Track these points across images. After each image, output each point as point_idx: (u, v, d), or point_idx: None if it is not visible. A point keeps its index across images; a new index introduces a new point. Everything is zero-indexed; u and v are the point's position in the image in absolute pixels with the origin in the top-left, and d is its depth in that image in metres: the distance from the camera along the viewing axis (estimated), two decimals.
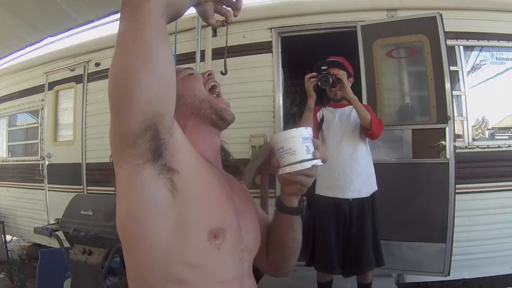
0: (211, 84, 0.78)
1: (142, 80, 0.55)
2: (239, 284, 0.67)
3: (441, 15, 2.69)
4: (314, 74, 2.09)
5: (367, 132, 2.12)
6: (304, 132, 0.67)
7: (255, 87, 3.22)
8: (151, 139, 0.57)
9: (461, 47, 3.04)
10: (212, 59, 3.37)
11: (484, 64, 3.09)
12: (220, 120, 0.76)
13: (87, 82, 4.13)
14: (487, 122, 3.05)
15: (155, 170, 0.57)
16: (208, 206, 0.62)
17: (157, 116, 0.56)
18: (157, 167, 0.58)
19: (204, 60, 3.38)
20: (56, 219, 3.24)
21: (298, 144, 0.66)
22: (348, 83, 2.12)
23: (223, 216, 0.64)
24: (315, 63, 2.23)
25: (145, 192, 0.57)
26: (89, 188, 4.02)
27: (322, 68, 2.10)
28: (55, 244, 3.07)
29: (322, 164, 0.67)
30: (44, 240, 4.01)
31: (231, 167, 0.81)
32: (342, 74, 2.09)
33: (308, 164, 0.65)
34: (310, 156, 0.66)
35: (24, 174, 4.77)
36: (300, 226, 0.81)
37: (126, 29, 0.60)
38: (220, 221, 0.63)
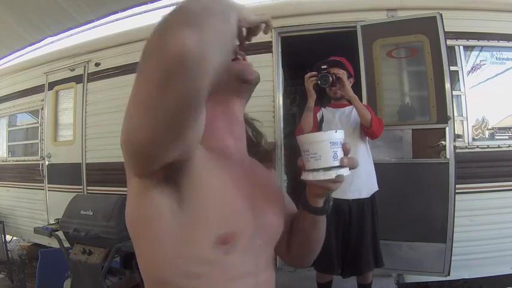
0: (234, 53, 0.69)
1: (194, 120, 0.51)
2: (253, 278, 0.64)
3: (441, 15, 2.69)
4: (314, 73, 2.09)
5: (367, 131, 2.12)
6: (334, 137, 0.61)
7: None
8: (169, 172, 0.55)
9: (461, 47, 3.04)
10: None
11: (484, 64, 3.09)
12: (243, 84, 0.69)
13: (87, 82, 4.13)
14: (487, 122, 3.04)
15: (164, 188, 0.57)
16: (217, 212, 0.59)
17: (189, 153, 0.55)
18: (167, 188, 0.57)
19: None
20: (56, 219, 3.25)
21: (325, 150, 0.60)
22: (348, 82, 2.12)
23: (235, 219, 0.61)
24: (315, 63, 2.23)
25: (151, 203, 0.57)
26: (89, 188, 4.02)
27: (322, 67, 2.10)
28: (55, 244, 3.07)
29: (349, 172, 0.63)
30: (44, 240, 4.01)
31: (261, 152, 0.78)
32: (341, 73, 2.09)
33: (332, 174, 0.60)
34: (337, 163, 0.61)
35: (24, 174, 4.76)
36: (324, 223, 0.79)
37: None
38: (232, 225, 0.61)
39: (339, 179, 0.63)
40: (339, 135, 0.62)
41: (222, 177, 0.62)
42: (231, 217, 0.61)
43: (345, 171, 0.62)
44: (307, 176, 0.62)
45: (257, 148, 0.78)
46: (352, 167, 0.64)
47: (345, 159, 0.63)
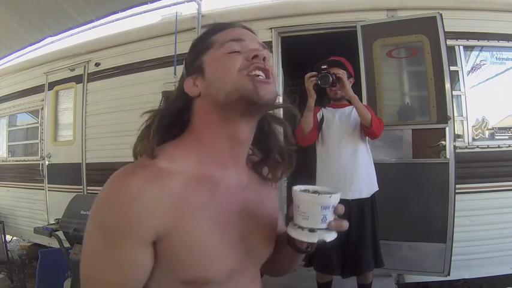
0: (253, 69, 0.64)
1: None
2: None
3: (441, 15, 2.69)
4: (314, 73, 2.09)
5: (367, 131, 2.12)
6: (326, 202, 0.59)
7: None
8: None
9: (461, 47, 3.04)
10: None
11: (484, 64, 3.09)
12: (251, 107, 0.64)
13: (87, 82, 4.13)
14: (487, 122, 3.04)
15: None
16: (186, 261, 0.59)
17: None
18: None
19: None
20: (56, 219, 3.24)
21: (315, 212, 0.59)
22: (348, 82, 2.12)
23: (208, 264, 0.61)
24: (315, 63, 2.23)
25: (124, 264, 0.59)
26: (89, 188, 4.01)
27: (322, 67, 2.10)
28: (55, 244, 3.07)
29: (335, 236, 0.61)
30: (44, 240, 4.01)
31: (270, 162, 0.74)
32: (341, 73, 2.09)
33: (315, 238, 0.60)
34: (324, 226, 0.60)
35: (24, 174, 4.77)
36: (302, 256, 0.78)
37: None
38: (203, 270, 0.60)
39: (319, 243, 0.62)
40: (333, 201, 0.60)
41: (198, 223, 0.60)
42: (202, 263, 0.60)
43: (330, 236, 0.61)
44: (291, 231, 0.62)
45: (268, 155, 0.75)
46: (340, 230, 0.63)
47: (333, 223, 0.62)
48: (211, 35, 0.69)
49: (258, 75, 0.63)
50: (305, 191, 0.63)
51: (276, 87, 0.67)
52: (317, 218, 0.60)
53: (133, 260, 0.57)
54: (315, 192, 0.63)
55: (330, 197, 0.60)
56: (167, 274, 0.60)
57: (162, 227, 0.57)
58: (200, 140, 0.66)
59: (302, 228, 0.60)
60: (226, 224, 0.64)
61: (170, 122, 0.68)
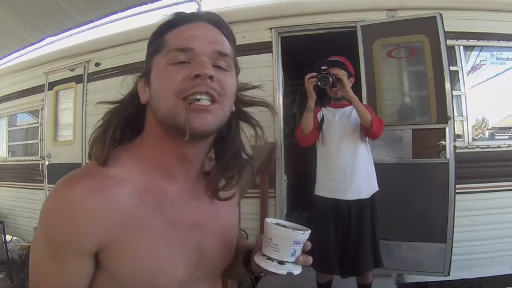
0: (191, 94, 0.56)
1: None
2: None
3: (441, 15, 2.69)
4: (314, 74, 2.09)
5: (367, 132, 2.12)
6: (299, 238, 0.62)
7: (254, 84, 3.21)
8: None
9: (461, 47, 3.04)
10: None
11: (484, 64, 3.09)
12: (180, 136, 0.58)
13: (87, 82, 4.13)
14: (487, 122, 3.04)
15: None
16: (129, 273, 0.58)
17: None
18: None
19: None
20: None
21: (287, 246, 0.61)
22: (348, 83, 2.12)
23: (154, 275, 0.59)
24: (315, 63, 2.23)
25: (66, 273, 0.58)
26: None
27: (322, 68, 2.10)
28: None
29: (300, 270, 0.64)
30: None
31: (218, 169, 0.68)
32: (341, 74, 2.09)
33: (284, 270, 0.62)
34: (292, 259, 0.63)
35: (24, 174, 4.77)
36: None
37: None
38: (149, 281, 0.59)
39: (287, 276, 0.63)
40: (305, 237, 0.63)
41: (141, 236, 0.58)
42: (147, 275, 0.59)
43: (297, 269, 0.64)
44: (260, 261, 0.63)
45: (220, 160, 0.69)
46: (306, 265, 0.64)
47: (301, 258, 0.63)
48: (164, 32, 0.62)
49: (198, 100, 0.56)
50: (277, 224, 0.64)
51: (223, 111, 0.60)
52: (288, 251, 0.62)
53: (75, 269, 0.57)
54: (284, 227, 0.65)
55: (303, 233, 0.62)
56: (112, 284, 0.59)
57: (104, 238, 0.56)
58: (148, 150, 0.63)
59: (272, 259, 0.62)
60: (174, 236, 0.61)
61: (125, 126, 0.65)
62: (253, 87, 0.74)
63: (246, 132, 0.72)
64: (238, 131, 0.71)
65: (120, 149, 0.64)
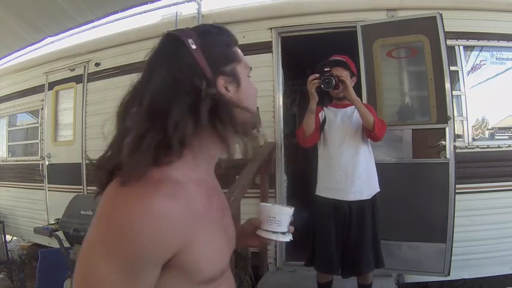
0: None
1: None
2: (226, 284, 0.70)
3: (441, 15, 2.69)
4: (316, 75, 2.08)
5: (369, 134, 2.11)
6: (292, 212, 0.85)
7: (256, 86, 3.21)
8: None
9: (461, 47, 3.04)
10: None
11: (484, 64, 3.09)
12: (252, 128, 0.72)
13: (87, 82, 4.13)
14: (487, 122, 3.04)
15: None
16: (204, 265, 0.60)
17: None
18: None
19: None
20: (56, 219, 3.24)
21: (286, 221, 0.83)
22: (350, 85, 2.11)
23: (220, 261, 0.65)
24: (315, 63, 2.23)
25: None
26: (89, 188, 4.01)
27: (325, 69, 2.09)
28: (55, 244, 3.07)
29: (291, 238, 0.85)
30: (44, 240, 4.01)
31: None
32: (344, 76, 2.08)
33: (287, 239, 0.84)
34: (287, 229, 0.84)
35: (24, 174, 4.77)
36: None
37: None
38: (217, 267, 0.64)
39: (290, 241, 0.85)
40: (293, 212, 0.85)
41: (209, 228, 0.63)
42: (217, 262, 0.64)
43: (291, 236, 0.85)
44: (270, 235, 0.83)
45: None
46: (292, 232, 0.85)
47: (291, 228, 0.85)
48: (233, 43, 0.71)
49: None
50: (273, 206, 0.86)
51: None
52: (286, 224, 0.84)
53: (150, 281, 0.55)
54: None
55: (292, 208, 0.85)
56: (181, 278, 0.59)
57: (183, 243, 0.56)
58: (198, 145, 0.64)
59: (276, 233, 0.83)
60: (219, 222, 0.68)
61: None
62: None
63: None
64: None
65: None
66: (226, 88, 0.65)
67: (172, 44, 0.65)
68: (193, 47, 0.63)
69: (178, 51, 0.63)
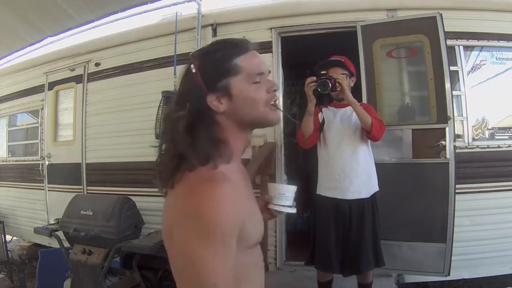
0: (275, 100, 0.83)
1: None
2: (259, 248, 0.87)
3: (441, 15, 2.69)
4: (314, 78, 2.09)
5: (367, 134, 2.12)
6: (295, 189, 1.03)
7: None
8: None
9: (461, 47, 3.04)
10: None
11: (484, 64, 3.09)
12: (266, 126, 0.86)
13: (87, 82, 4.13)
14: (487, 122, 3.04)
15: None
16: (253, 233, 0.77)
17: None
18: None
19: None
20: (56, 219, 3.25)
21: (292, 196, 1.02)
22: (347, 87, 2.11)
23: (260, 229, 0.83)
24: (315, 63, 2.23)
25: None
26: (89, 188, 4.01)
27: (322, 72, 2.10)
28: (55, 244, 3.07)
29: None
30: (44, 240, 4.01)
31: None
32: (341, 78, 2.09)
33: (294, 210, 1.03)
34: (293, 203, 1.03)
35: (24, 174, 4.77)
36: None
37: None
38: (259, 234, 0.81)
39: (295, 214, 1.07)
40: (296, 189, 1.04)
41: (252, 205, 0.82)
42: (259, 230, 0.82)
43: (295, 210, 1.04)
44: (280, 208, 1.01)
45: None
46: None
47: (294, 202, 1.03)
48: (233, 56, 0.79)
49: (275, 104, 0.83)
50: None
51: None
52: (292, 199, 1.02)
53: (235, 251, 0.70)
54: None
55: (296, 187, 1.04)
56: (240, 245, 0.71)
57: (244, 214, 0.73)
58: (226, 144, 0.79)
59: (286, 206, 1.01)
60: (253, 197, 0.87)
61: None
62: None
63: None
64: None
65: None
66: (219, 101, 0.78)
67: (185, 70, 0.82)
68: (193, 71, 0.78)
69: (187, 76, 0.80)
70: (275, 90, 0.83)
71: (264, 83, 0.81)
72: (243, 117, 0.80)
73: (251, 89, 0.79)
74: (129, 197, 3.07)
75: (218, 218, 0.66)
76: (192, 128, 0.76)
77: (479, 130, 3.04)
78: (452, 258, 2.62)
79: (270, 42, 3.27)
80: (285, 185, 1.03)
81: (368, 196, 2.17)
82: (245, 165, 2.52)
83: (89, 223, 2.67)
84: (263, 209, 1.01)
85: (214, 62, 0.78)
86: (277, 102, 0.84)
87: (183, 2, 3.55)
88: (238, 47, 0.81)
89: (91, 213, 2.72)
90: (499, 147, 3.00)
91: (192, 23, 3.44)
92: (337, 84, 2.07)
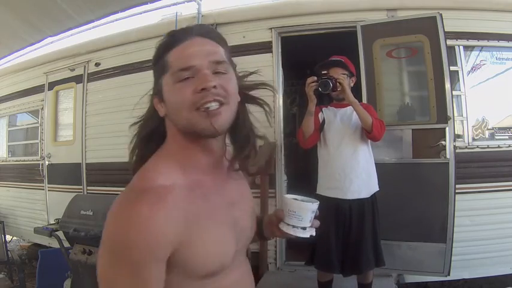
0: (202, 105, 0.66)
1: None
2: (236, 274, 0.75)
3: (441, 15, 2.69)
4: (314, 78, 2.09)
5: (368, 134, 2.13)
6: (315, 208, 0.82)
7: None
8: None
9: (461, 47, 3.04)
10: None
11: (484, 64, 3.09)
12: (203, 137, 0.70)
13: (87, 82, 4.13)
14: (487, 122, 3.04)
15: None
16: (202, 261, 0.66)
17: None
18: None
19: None
20: (56, 219, 3.24)
21: (307, 215, 0.81)
22: (348, 87, 2.12)
23: (219, 256, 0.69)
24: (314, 63, 2.23)
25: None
26: (89, 188, 4.02)
27: (323, 72, 2.10)
28: (55, 244, 3.07)
29: (314, 233, 0.83)
30: (44, 240, 4.01)
31: (236, 154, 0.78)
32: (342, 78, 2.09)
33: (307, 234, 0.82)
34: (309, 224, 0.82)
35: (24, 174, 4.77)
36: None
37: None
38: (217, 262, 0.68)
39: (309, 238, 0.82)
40: (317, 207, 0.83)
41: (204, 227, 0.67)
42: (216, 257, 0.68)
43: (313, 232, 0.83)
44: (289, 230, 0.82)
45: (235, 143, 0.79)
46: (317, 226, 0.83)
47: (315, 222, 0.83)
48: (165, 52, 0.70)
49: (208, 108, 0.66)
50: (295, 199, 0.83)
51: (231, 109, 0.70)
52: (308, 219, 0.81)
53: (158, 278, 0.61)
54: (302, 200, 0.84)
55: (317, 204, 0.82)
56: (183, 275, 0.65)
57: (176, 241, 0.62)
58: (177, 152, 0.71)
59: (297, 227, 0.81)
60: (223, 218, 0.72)
61: (152, 138, 0.75)
62: (251, 73, 0.85)
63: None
64: (246, 115, 0.80)
65: (153, 160, 0.72)
66: (161, 104, 0.71)
67: None
68: None
69: None
70: (203, 90, 0.65)
71: (191, 81, 0.66)
72: (176, 124, 0.70)
73: (174, 90, 0.68)
74: None
75: (128, 242, 0.58)
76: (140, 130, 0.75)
77: (479, 130, 3.04)
78: (452, 258, 2.62)
79: (270, 42, 3.27)
80: (299, 202, 0.83)
81: (368, 196, 2.17)
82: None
83: (89, 223, 2.67)
84: (276, 225, 0.85)
85: (153, 59, 0.73)
86: (212, 105, 0.66)
87: (183, 2, 3.55)
88: (174, 37, 0.70)
89: (91, 213, 2.72)
90: (499, 147, 3.00)
91: (192, 23, 3.43)
92: (338, 84, 2.08)
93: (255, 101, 0.82)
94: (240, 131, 0.77)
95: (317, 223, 0.83)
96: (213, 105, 0.66)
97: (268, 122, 0.84)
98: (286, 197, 0.84)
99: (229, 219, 0.74)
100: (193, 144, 0.71)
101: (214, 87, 0.66)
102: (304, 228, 0.82)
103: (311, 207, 0.81)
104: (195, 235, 0.65)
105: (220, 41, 0.74)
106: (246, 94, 0.80)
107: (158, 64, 0.71)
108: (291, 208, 0.81)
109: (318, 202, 0.82)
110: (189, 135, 0.69)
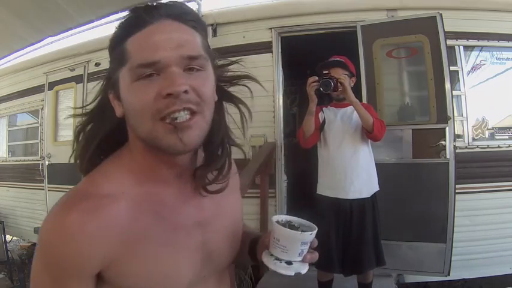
0: (168, 114, 0.52)
1: None
2: None
3: (441, 15, 2.69)
4: (315, 78, 2.10)
5: (368, 134, 2.13)
6: (306, 238, 0.62)
7: (254, 87, 3.19)
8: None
9: (461, 47, 3.04)
10: None
11: (484, 64, 3.09)
12: (177, 154, 0.57)
13: (87, 82, 4.13)
14: (487, 122, 3.04)
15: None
16: (139, 284, 0.57)
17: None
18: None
19: None
20: None
21: (294, 247, 0.61)
22: (349, 87, 2.12)
23: (164, 281, 0.59)
24: (314, 63, 2.23)
25: None
26: None
27: (324, 72, 2.10)
28: None
29: (307, 268, 0.65)
30: None
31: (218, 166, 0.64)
32: (343, 78, 2.10)
33: (292, 271, 0.63)
34: (300, 258, 0.63)
35: (24, 174, 4.77)
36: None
37: None
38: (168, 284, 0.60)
39: (295, 276, 0.63)
40: (312, 237, 0.63)
41: (145, 248, 0.57)
42: (157, 283, 0.59)
43: (304, 268, 0.64)
44: (269, 263, 0.63)
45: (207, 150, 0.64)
46: (313, 261, 0.65)
47: (308, 256, 0.64)
48: (124, 38, 0.56)
49: (175, 119, 0.52)
50: (285, 223, 0.65)
51: (205, 120, 0.56)
52: (295, 252, 0.62)
53: None
54: (292, 226, 0.65)
55: (311, 234, 0.62)
56: None
57: (106, 258, 0.54)
58: (138, 160, 0.59)
59: (280, 260, 0.62)
60: (178, 240, 0.60)
61: (107, 140, 0.63)
62: (232, 62, 0.70)
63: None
64: (222, 117, 0.66)
65: (108, 163, 0.61)
66: (117, 102, 0.58)
67: None
68: None
69: None
70: (170, 95, 0.51)
71: (155, 81, 0.52)
72: (136, 133, 0.57)
73: (132, 90, 0.53)
74: None
75: (55, 253, 0.52)
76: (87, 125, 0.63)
77: (479, 130, 3.04)
78: (452, 258, 2.62)
79: (270, 42, 3.27)
80: (280, 225, 0.62)
81: (368, 196, 2.17)
82: (244, 165, 2.52)
83: None
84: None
85: (109, 45, 0.59)
86: (181, 115, 0.52)
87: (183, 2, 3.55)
88: (135, 19, 0.55)
89: None
90: (499, 147, 3.00)
91: None
92: (339, 84, 2.08)
93: (231, 99, 0.68)
94: (214, 135, 0.62)
95: (312, 257, 0.65)
96: (183, 116, 0.52)
97: (242, 125, 0.67)
98: (273, 220, 0.64)
99: (192, 242, 0.62)
100: (156, 154, 0.57)
101: (185, 91, 0.51)
102: (289, 263, 0.62)
103: (299, 237, 0.61)
104: (128, 257, 0.55)
105: (198, 25, 0.57)
106: (224, 90, 0.66)
107: (115, 52, 0.57)
108: (274, 235, 0.62)
109: (314, 231, 0.63)
110: (151, 147, 0.57)
